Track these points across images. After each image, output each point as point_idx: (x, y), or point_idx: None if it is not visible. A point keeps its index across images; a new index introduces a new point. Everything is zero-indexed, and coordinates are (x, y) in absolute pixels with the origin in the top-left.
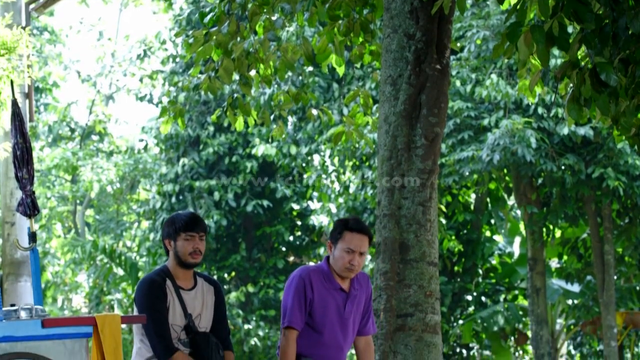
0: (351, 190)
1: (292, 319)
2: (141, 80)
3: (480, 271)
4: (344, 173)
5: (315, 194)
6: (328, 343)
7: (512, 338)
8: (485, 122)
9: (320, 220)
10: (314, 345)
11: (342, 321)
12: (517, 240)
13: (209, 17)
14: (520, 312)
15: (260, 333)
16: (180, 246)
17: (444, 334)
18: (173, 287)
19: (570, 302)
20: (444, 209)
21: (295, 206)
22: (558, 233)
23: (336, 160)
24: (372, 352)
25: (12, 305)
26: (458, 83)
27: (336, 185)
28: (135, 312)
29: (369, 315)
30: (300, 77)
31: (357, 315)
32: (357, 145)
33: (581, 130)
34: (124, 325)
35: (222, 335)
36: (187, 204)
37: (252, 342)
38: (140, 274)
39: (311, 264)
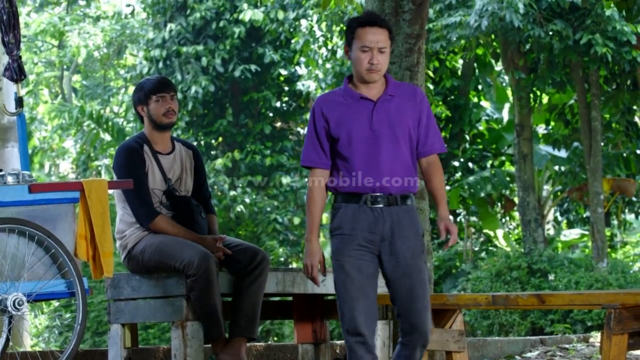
0: (338, 56)
1: (304, 156)
2: None
3: (468, 137)
4: (331, 38)
5: (303, 59)
6: (362, 167)
7: (499, 204)
8: None
9: (308, 85)
10: (352, 173)
11: (374, 134)
12: (507, 106)
13: None
14: (507, 178)
15: (247, 199)
16: (153, 109)
17: (432, 199)
18: (151, 152)
19: (557, 168)
20: (431, 74)
21: (283, 71)
22: (545, 99)
23: (324, 25)
24: (438, 169)
25: None
26: None
27: (323, 51)
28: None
29: (427, 131)
30: None
31: (398, 127)
32: (344, 10)
33: None
34: (110, 191)
35: (204, 198)
36: (174, 69)
37: (239, 209)
38: (124, 141)
39: (299, 129)
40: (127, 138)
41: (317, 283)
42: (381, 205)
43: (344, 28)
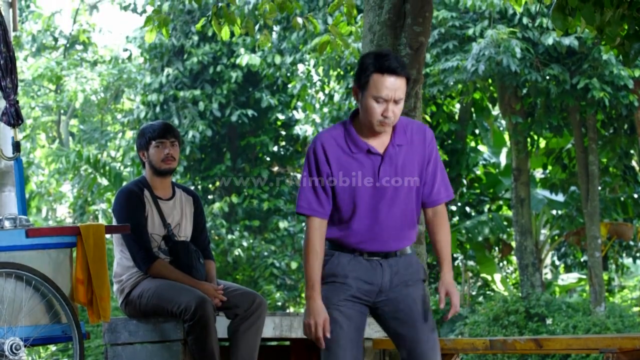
0: (335, 100)
1: (302, 202)
2: None
3: (465, 181)
4: (328, 83)
5: (300, 103)
6: (363, 231)
7: (497, 248)
8: (470, 31)
9: (305, 130)
10: (349, 231)
11: (378, 191)
12: (504, 150)
13: None
14: (505, 223)
15: (244, 243)
16: (152, 154)
17: (428, 244)
18: (151, 196)
19: (554, 212)
20: (428, 118)
21: (280, 116)
22: (543, 143)
23: (321, 69)
24: (443, 222)
25: None
26: None
27: (321, 95)
28: (115, 224)
29: (433, 179)
30: None
31: (405, 182)
32: (341, 55)
33: (566, 41)
34: (108, 235)
35: (203, 244)
36: (172, 113)
37: (236, 253)
38: (125, 184)
39: (296, 174)
40: (128, 182)
41: (322, 344)
42: (378, 258)
43: (341, 73)
